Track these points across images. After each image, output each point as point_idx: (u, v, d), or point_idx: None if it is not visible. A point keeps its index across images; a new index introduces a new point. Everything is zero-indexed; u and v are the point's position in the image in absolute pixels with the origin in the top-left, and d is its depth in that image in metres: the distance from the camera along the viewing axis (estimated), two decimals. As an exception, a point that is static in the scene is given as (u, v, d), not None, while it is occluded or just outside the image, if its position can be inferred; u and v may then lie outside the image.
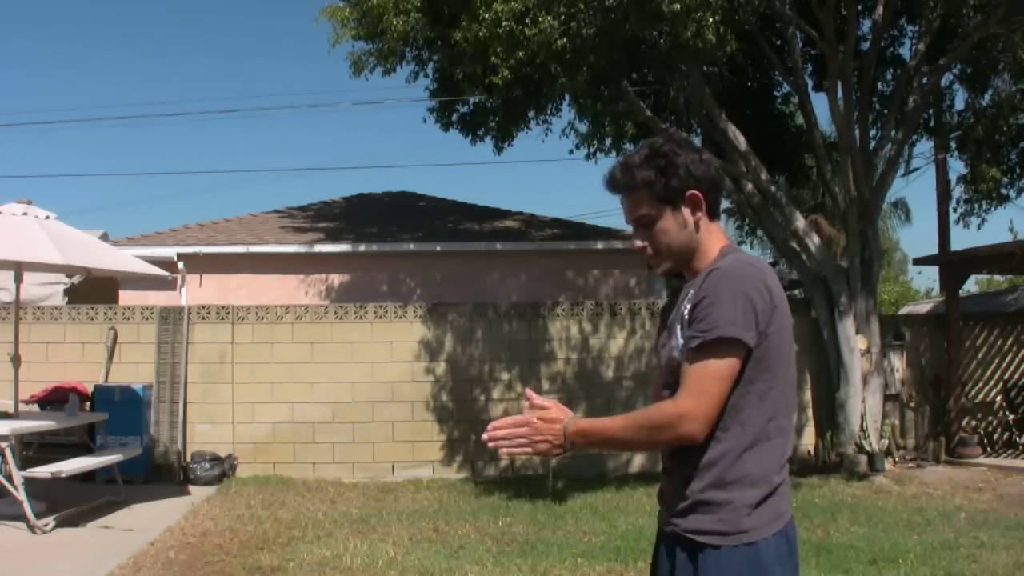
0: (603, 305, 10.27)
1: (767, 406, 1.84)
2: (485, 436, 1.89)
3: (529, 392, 1.94)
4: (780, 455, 1.87)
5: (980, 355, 11.27)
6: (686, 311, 1.86)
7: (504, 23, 7.99)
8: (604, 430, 1.86)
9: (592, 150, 11.17)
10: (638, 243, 1.99)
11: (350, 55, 10.73)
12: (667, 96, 9.81)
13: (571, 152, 11.87)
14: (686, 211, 1.93)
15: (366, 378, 9.65)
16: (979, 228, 11.61)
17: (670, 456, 1.93)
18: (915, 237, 58.12)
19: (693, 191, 1.92)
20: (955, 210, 10.69)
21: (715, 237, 1.96)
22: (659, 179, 1.91)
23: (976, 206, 10.62)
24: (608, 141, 10.91)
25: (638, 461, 9.91)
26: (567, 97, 10.73)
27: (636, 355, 10.02)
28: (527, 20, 8.04)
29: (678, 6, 7.36)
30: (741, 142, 9.69)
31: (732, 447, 1.82)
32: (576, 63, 8.36)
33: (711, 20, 7.51)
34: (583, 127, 11.22)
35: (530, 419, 1.88)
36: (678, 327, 1.88)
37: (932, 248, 13.05)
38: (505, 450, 1.89)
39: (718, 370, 1.78)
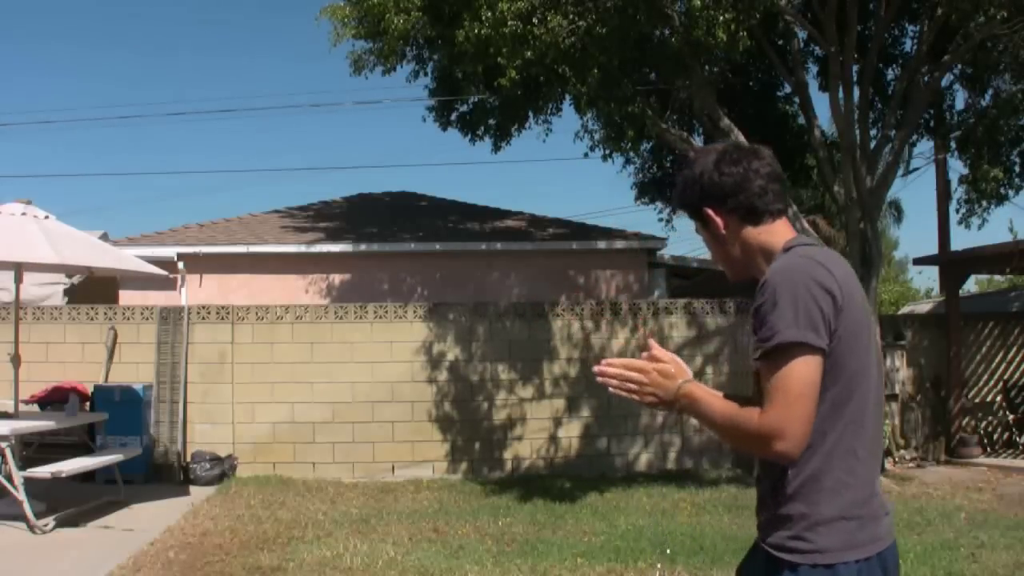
0: (604, 303, 10.27)
1: (845, 413, 1.72)
2: (596, 369, 1.86)
3: (652, 342, 1.90)
4: (865, 469, 1.74)
5: (980, 355, 11.28)
6: (751, 318, 1.78)
7: (510, 22, 7.99)
8: (707, 410, 1.77)
9: (608, 151, 11.15)
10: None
11: (350, 54, 10.76)
12: (669, 97, 9.81)
13: (586, 155, 11.82)
14: (710, 228, 1.93)
15: (366, 378, 9.64)
16: (980, 228, 11.59)
17: (759, 465, 1.85)
18: (915, 237, 58.14)
19: (704, 209, 1.91)
20: (957, 211, 10.67)
21: (770, 236, 1.87)
22: (682, 203, 1.98)
23: (977, 206, 10.61)
24: (626, 143, 10.81)
25: (644, 460, 9.92)
26: (567, 97, 10.72)
27: (639, 353, 9.96)
28: (534, 19, 8.04)
29: (696, 2, 7.38)
30: (742, 142, 9.67)
31: (805, 457, 1.70)
32: (586, 63, 8.36)
33: (722, 17, 7.52)
34: (596, 128, 11.18)
35: (647, 368, 1.84)
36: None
37: (932, 248, 13.06)
38: (613, 389, 1.85)
39: (794, 379, 1.64)
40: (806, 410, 1.65)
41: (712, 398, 1.78)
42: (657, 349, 1.87)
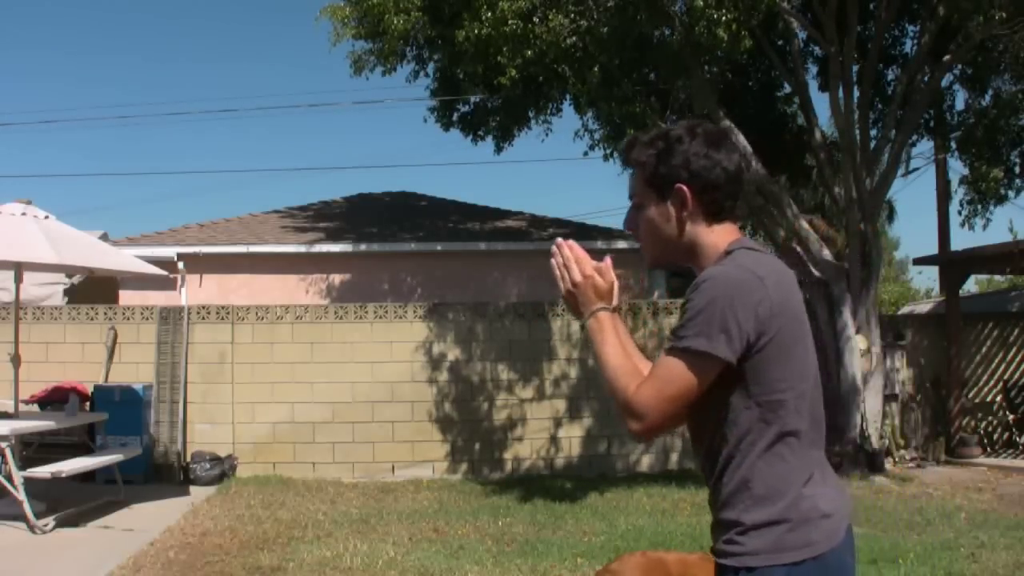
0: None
1: (774, 421, 1.71)
2: (559, 240, 1.88)
3: (608, 260, 1.87)
4: (795, 475, 1.72)
5: (980, 355, 11.28)
6: (680, 309, 1.76)
7: (511, 21, 8.00)
8: (603, 347, 1.78)
9: (609, 151, 11.17)
10: (628, 226, 1.90)
11: (351, 55, 10.78)
12: (669, 97, 9.81)
13: (586, 154, 11.86)
14: (672, 205, 1.79)
15: (366, 378, 9.64)
16: (984, 228, 11.62)
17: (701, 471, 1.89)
18: (915, 237, 58.14)
19: (681, 185, 1.76)
20: (959, 212, 10.66)
21: (719, 236, 1.80)
22: (650, 163, 1.80)
23: (978, 206, 10.62)
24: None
25: (645, 461, 9.92)
26: (568, 97, 10.73)
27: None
28: (535, 19, 8.06)
29: (699, 1, 7.39)
30: (741, 142, 9.68)
31: (735, 463, 1.73)
32: (586, 63, 8.36)
33: (724, 18, 7.53)
34: (596, 128, 11.18)
35: (590, 275, 1.82)
36: None
37: (932, 248, 13.06)
38: (554, 262, 1.87)
39: (680, 378, 1.67)
40: (674, 410, 1.69)
41: (615, 342, 1.77)
42: (607, 268, 1.85)
